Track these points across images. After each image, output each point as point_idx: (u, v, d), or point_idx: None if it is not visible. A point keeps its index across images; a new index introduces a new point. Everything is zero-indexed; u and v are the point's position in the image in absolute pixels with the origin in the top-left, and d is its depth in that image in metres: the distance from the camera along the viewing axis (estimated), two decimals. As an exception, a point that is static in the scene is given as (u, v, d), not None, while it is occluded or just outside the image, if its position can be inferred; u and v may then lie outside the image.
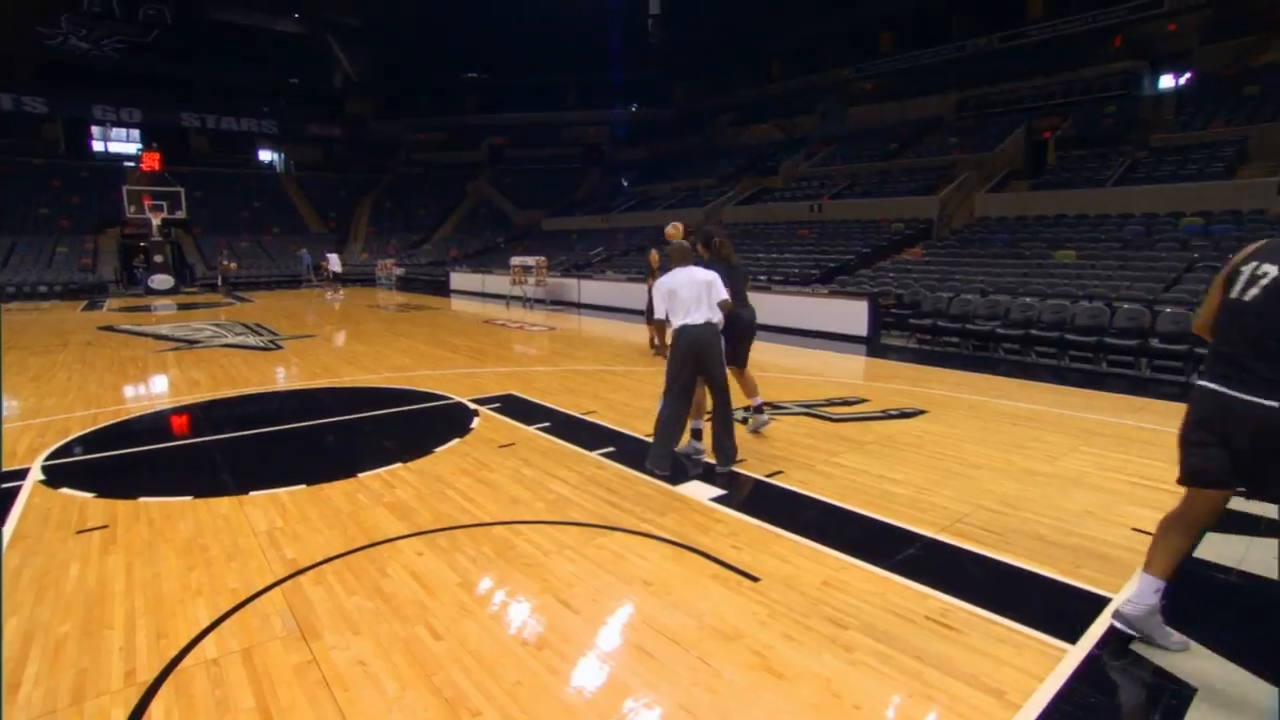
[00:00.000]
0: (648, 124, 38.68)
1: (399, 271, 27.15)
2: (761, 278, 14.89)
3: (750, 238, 20.45)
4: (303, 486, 4.45)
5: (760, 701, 2.32)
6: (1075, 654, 2.57)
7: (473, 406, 6.66)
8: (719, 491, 4.31)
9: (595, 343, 11.45)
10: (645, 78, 36.53)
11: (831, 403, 6.66)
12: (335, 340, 11.65)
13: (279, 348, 10.75)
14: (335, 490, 4.39)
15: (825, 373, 8.44)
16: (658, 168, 34.76)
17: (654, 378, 8.10)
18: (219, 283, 23.71)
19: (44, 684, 2.46)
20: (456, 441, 5.48)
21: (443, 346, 10.71)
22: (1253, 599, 3.03)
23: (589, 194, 36.48)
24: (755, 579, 3.18)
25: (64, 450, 5.39)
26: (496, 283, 21.09)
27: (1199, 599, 3.03)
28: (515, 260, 19.49)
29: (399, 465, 4.88)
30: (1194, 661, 2.53)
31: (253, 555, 3.47)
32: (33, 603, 3.03)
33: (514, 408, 6.61)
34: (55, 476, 4.73)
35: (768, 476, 4.60)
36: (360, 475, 4.66)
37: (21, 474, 4.79)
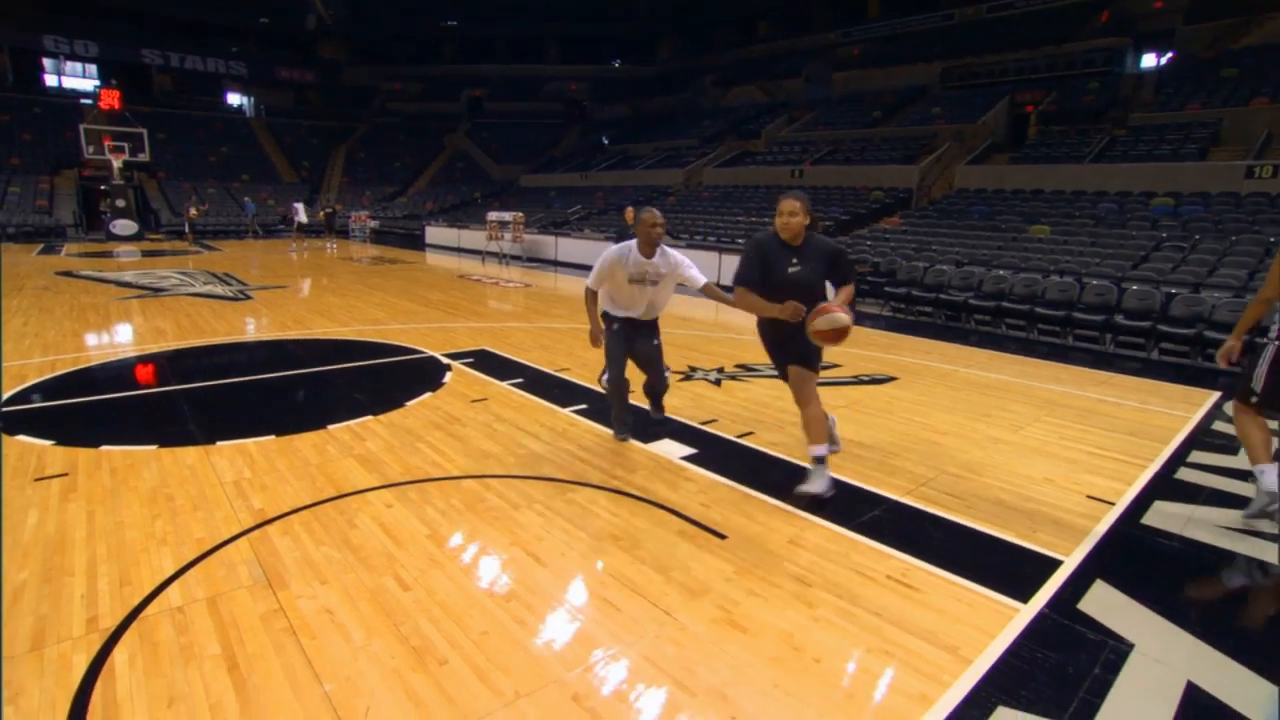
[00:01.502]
0: (630, 81, 37.81)
1: (373, 224, 26.57)
2: (740, 240, 14.84)
3: (730, 200, 20.30)
4: (271, 437, 4.39)
5: (723, 654, 2.38)
6: (1027, 612, 2.68)
7: (445, 361, 6.60)
8: (690, 450, 4.35)
9: (571, 300, 11.36)
10: (629, 33, 35.60)
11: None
12: (306, 292, 11.40)
13: (248, 298, 10.50)
14: (304, 442, 4.34)
15: (800, 339, 8.50)
16: (639, 126, 34.14)
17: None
18: (185, 230, 22.96)
19: (2, 628, 2.42)
20: (428, 395, 5.44)
21: (416, 301, 10.55)
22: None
23: (569, 151, 35.77)
24: (723, 536, 3.24)
25: (20, 397, 5.23)
26: (472, 238, 20.75)
27: (1143, 562, 3.16)
28: (492, 216, 19.17)
29: (369, 418, 4.84)
30: (1133, 620, 2.65)
31: (219, 505, 3.44)
32: (-11, 548, 2.97)
33: (487, 363, 6.57)
34: (11, 423, 4.60)
35: (739, 437, 4.65)
36: (330, 427, 4.61)
37: (-25, 419, 4.66)
